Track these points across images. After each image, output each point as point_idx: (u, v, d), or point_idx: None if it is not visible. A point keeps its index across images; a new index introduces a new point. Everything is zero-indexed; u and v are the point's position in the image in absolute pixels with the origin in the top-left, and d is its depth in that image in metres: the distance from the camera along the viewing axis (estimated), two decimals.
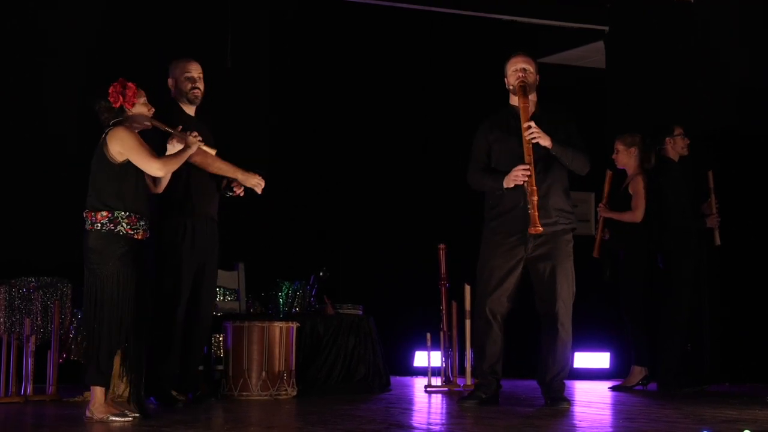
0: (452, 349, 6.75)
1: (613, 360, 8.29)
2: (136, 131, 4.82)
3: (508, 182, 5.26)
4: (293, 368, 6.14)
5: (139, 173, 4.77)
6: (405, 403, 5.89)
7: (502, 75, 5.49)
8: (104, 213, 4.67)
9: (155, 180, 4.97)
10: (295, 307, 6.72)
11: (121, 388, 5.66)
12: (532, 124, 5.21)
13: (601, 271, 7.10)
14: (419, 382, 7.57)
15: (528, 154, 5.19)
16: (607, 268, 7.09)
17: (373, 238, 8.57)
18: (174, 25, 7.76)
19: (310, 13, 8.43)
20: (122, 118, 4.78)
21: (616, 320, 7.29)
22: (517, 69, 5.39)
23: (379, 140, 8.72)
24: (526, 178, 5.17)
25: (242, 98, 7.97)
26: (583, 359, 8.35)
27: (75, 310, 6.06)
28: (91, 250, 4.67)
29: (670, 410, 5.14)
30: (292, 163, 8.50)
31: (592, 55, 8.92)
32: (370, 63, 8.71)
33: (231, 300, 6.93)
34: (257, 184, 5.68)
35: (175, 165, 4.90)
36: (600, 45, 8.65)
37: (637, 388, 6.83)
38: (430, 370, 6.74)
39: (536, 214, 5.15)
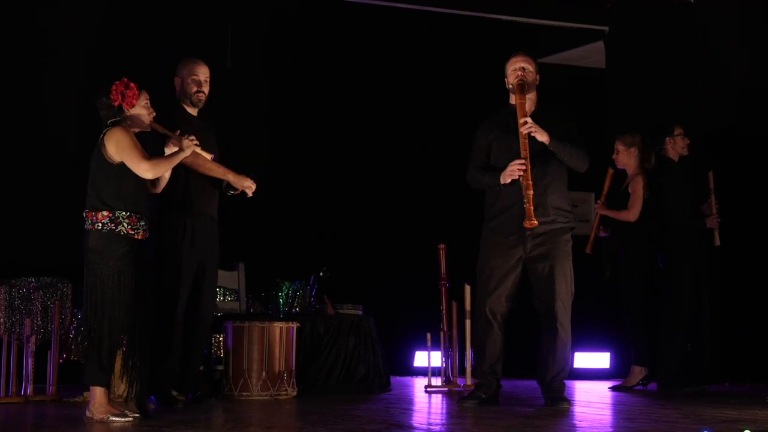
0: (452, 349, 6.75)
1: (613, 360, 8.29)
2: (134, 132, 4.83)
3: (505, 178, 5.28)
4: (293, 368, 6.14)
5: None
6: (405, 403, 5.89)
7: (502, 75, 5.51)
8: (105, 213, 4.67)
9: (154, 180, 4.97)
10: (296, 307, 6.72)
11: (122, 388, 5.66)
12: (528, 119, 5.23)
13: (601, 271, 7.10)
14: (419, 382, 7.58)
15: (524, 148, 5.21)
16: (607, 268, 7.09)
17: (373, 238, 8.57)
18: (174, 25, 7.76)
19: (310, 13, 8.42)
20: (120, 118, 4.78)
21: (616, 320, 7.30)
22: (516, 68, 5.41)
23: (379, 140, 8.72)
24: (522, 173, 5.18)
25: (242, 98, 7.97)
26: (583, 359, 8.35)
27: (75, 310, 6.06)
28: (91, 250, 4.67)
29: (670, 410, 5.14)
30: (292, 163, 8.50)
31: (592, 55, 8.92)
32: (370, 63, 8.71)
33: (231, 300, 6.93)
34: (248, 187, 5.66)
35: (165, 167, 4.88)
36: (600, 45, 8.65)
37: (637, 388, 6.84)
38: (430, 370, 6.74)
39: (531, 208, 5.16)
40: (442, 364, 6.84)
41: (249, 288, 7.02)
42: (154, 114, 4.90)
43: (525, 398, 5.94)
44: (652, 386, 6.84)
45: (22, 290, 5.98)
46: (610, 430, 4.42)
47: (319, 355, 6.53)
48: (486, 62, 6.98)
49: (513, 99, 5.44)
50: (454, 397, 6.08)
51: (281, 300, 6.70)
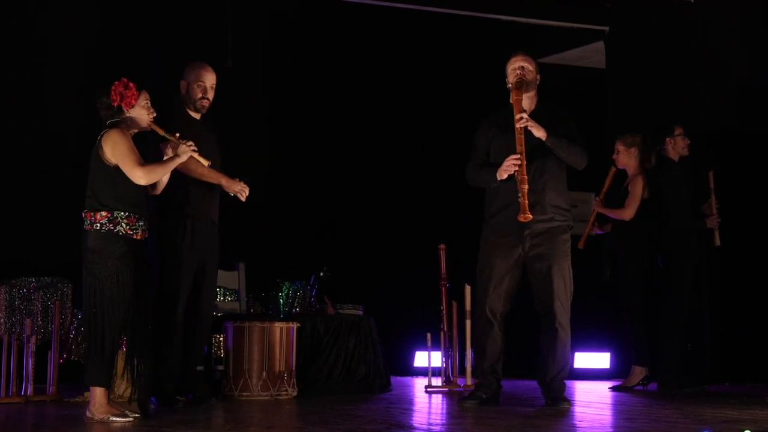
0: (452, 349, 6.75)
1: (614, 360, 8.29)
2: (132, 133, 4.82)
3: (501, 173, 5.29)
4: (294, 368, 6.14)
5: None
6: (405, 404, 5.89)
7: (502, 75, 5.52)
8: (103, 213, 4.67)
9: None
10: (296, 307, 6.72)
11: (122, 388, 5.67)
12: (524, 114, 5.24)
13: (601, 270, 7.10)
14: (419, 383, 7.58)
15: (519, 144, 5.21)
16: (607, 268, 7.09)
17: (373, 238, 8.57)
18: (174, 25, 7.76)
19: (310, 13, 8.43)
20: (119, 119, 4.78)
21: (616, 320, 7.30)
22: (516, 67, 5.43)
23: (378, 140, 8.72)
24: (517, 168, 5.19)
25: (242, 98, 7.97)
26: (584, 359, 8.35)
27: (75, 311, 6.06)
28: (89, 250, 4.67)
29: (671, 410, 5.14)
30: (292, 163, 8.51)
31: (592, 55, 8.92)
32: (369, 63, 8.71)
33: (231, 300, 6.94)
34: (241, 191, 5.65)
35: (160, 173, 4.86)
36: (600, 45, 8.65)
37: (637, 388, 6.84)
38: (430, 370, 6.74)
39: (526, 202, 5.17)
40: (442, 364, 6.84)
41: (249, 288, 7.03)
42: (155, 114, 4.89)
43: (525, 398, 5.94)
44: (653, 386, 6.84)
45: (23, 290, 5.98)
46: (611, 430, 4.42)
47: (319, 355, 6.53)
48: (486, 62, 6.98)
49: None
50: (454, 397, 6.08)
51: (281, 300, 6.70)
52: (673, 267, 6.81)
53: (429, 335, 6.77)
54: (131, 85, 4.77)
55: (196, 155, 4.99)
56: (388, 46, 8.67)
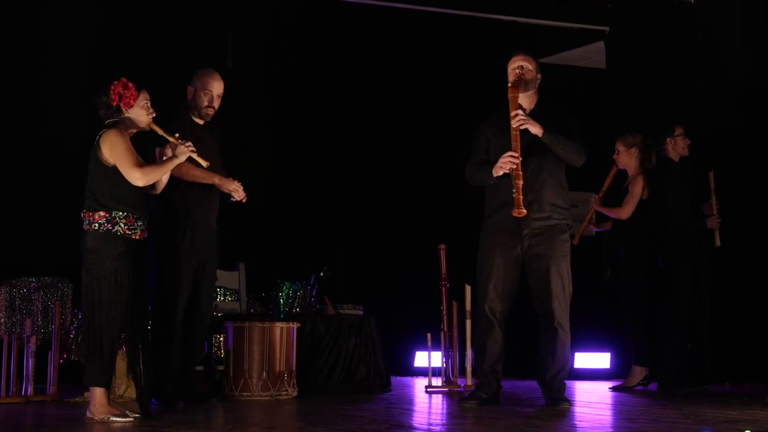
0: (453, 349, 6.75)
1: (614, 360, 8.28)
2: (131, 133, 4.82)
3: (497, 170, 5.29)
4: (294, 368, 6.14)
5: None
6: (406, 404, 5.89)
7: (503, 75, 5.53)
8: (102, 213, 4.66)
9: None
10: (296, 307, 6.72)
11: (122, 388, 5.67)
12: (520, 111, 5.25)
13: (602, 270, 7.10)
14: (420, 383, 7.58)
15: (514, 140, 5.22)
16: (608, 268, 7.09)
17: (373, 238, 8.57)
18: (174, 25, 7.76)
19: (310, 13, 8.43)
20: (118, 119, 4.77)
21: (616, 320, 7.30)
22: (515, 66, 5.46)
23: (379, 140, 8.72)
24: (513, 165, 5.19)
25: (242, 98, 7.97)
26: (584, 359, 8.35)
27: (76, 311, 6.06)
28: (88, 250, 4.67)
29: (671, 410, 5.14)
30: (292, 163, 8.51)
31: (592, 55, 8.92)
32: (370, 63, 8.71)
33: (232, 300, 6.94)
34: (235, 189, 5.64)
35: (158, 175, 4.85)
36: (600, 45, 8.65)
37: (637, 388, 6.83)
38: (430, 370, 6.74)
39: (520, 197, 5.17)
40: (442, 364, 6.83)
41: (249, 288, 7.03)
42: (154, 114, 4.88)
43: (525, 398, 5.94)
44: (653, 386, 6.84)
45: (23, 290, 5.98)
46: (611, 430, 4.42)
47: (319, 356, 6.53)
48: (486, 62, 6.99)
49: None
50: (454, 398, 6.08)
51: (282, 300, 6.70)
52: (673, 267, 6.81)
53: (429, 335, 6.77)
54: (130, 85, 4.77)
55: (194, 156, 4.98)
56: (388, 46, 8.67)
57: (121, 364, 5.66)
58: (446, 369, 6.81)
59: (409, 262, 8.35)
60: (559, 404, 5.26)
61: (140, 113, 4.82)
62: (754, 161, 7.67)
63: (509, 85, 5.44)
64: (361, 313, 6.92)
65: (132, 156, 4.71)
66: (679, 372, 6.72)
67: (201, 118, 5.66)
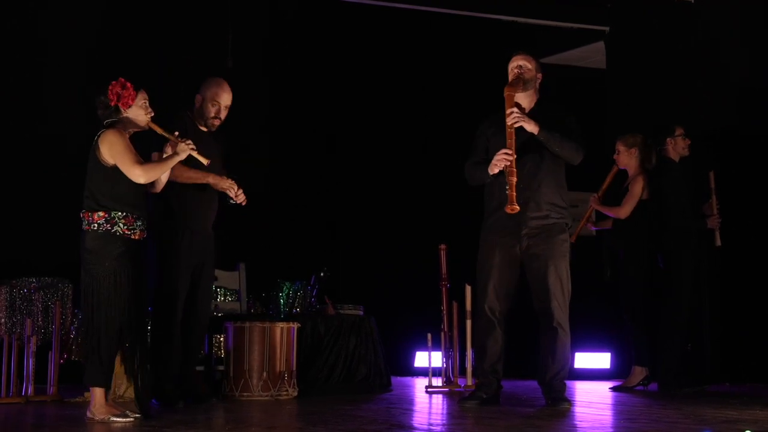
0: (453, 349, 6.75)
1: (614, 360, 8.28)
2: (130, 133, 4.81)
3: (492, 168, 5.30)
4: (294, 369, 6.14)
5: None
6: (406, 404, 5.89)
7: (503, 75, 5.54)
8: (101, 213, 4.66)
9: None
10: (296, 307, 6.72)
11: (122, 388, 5.66)
12: (515, 109, 5.25)
13: (602, 271, 7.10)
14: (420, 383, 7.58)
15: (509, 138, 5.22)
16: (608, 267, 7.09)
17: (373, 238, 8.57)
18: (174, 25, 7.76)
19: (310, 13, 8.43)
20: (116, 119, 4.77)
21: (616, 320, 7.29)
22: (514, 66, 5.48)
23: (379, 140, 8.72)
24: (508, 162, 5.19)
25: (242, 98, 7.95)
26: (584, 360, 8.35)
27: (76, 311, 6.06)
28: (87, 250, 4.67)
29: (671, 410, 5.14)
30: (292, 163, 8.51)
31: (592, 55, 8.92)
32: (370, 63, 8.71)
33: (232, 300, 6.93)
34: (229, 187, 5.63)
35: (159, 172, 4.85)
36: (600, 45, 8.65)
37: (637, 388, 6.83)
38: (430, 370, 6.74)
39: (513, 194, 5.16)
40: (442, 364, 6.83)
41: (250, 288, 7.03)
42: (152, 113, 4.87)
43: (526, 398, 5.94)
44: (653, 386, 6.84)
45: (23, 290, 5.98)
46: (611, 430, 4.42)
47: (319, 356, 6.53)
48: (486, 62, 6.99)
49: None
50: (454, 398, 6.08)
51: (282, 300, 6.70)
52: (673, 267, 6.81)
53: (429, 335, 6.77)
54: (128, 84, 4.76)
55: (195, 153, 4.97)
56: (388, 46, 8.67)
57: (122, 364, 5.65)
58: (446, 369, 6.81)
59: (409, 262, 8.35)
60: (559, 404, 5.26)
61: (139, 113, 4.82)
62: (754, 161, 7.67)
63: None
64: (361, 313, 6.92)
65: (132, 154, 4.71)
66: (679, 372, 6.72)
67: (206, 127, 5.65)
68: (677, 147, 6.94)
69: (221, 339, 6.43)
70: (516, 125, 5.25)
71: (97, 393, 4.64)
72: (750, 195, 7.62)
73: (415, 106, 8.84)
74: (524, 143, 5.30)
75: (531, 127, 5.28)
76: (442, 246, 6.83)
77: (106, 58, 7.27)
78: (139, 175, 4.71)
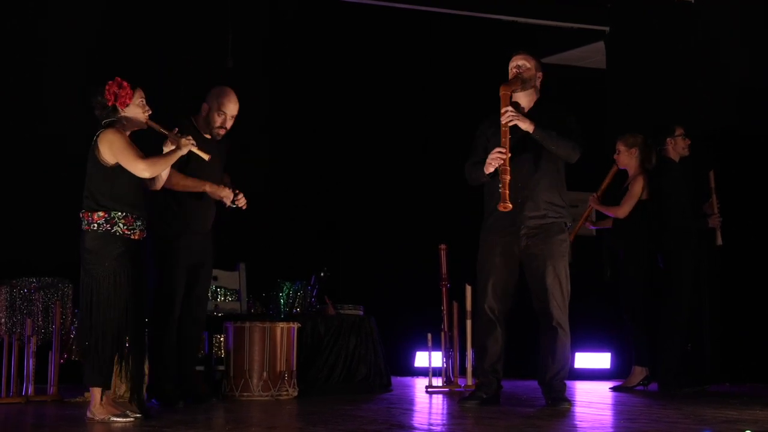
0: (453, 349, 6.75)
1: (614, 360, 8.29)
2: (129, 132, 4.81)
3: (487, 167, 5.30)
4: (294, 369, 6.14)
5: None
6: (406, 404, 5.89)
7: (503, 75, 5.54)
8: (101, 213, 4.66)
9: (153, 177, 4.94)
10: (296, 307, 6.72)
11: (122, 388, 5.67)
12: (510, 108, 5.25)
13: (602, 271, 7.10)
14: (420, 383, 7.58)
15: (504, 136, 5.22)
16: (608, 267, 7.09)
17: (373, 238, 8.57)
18: (174, 25, 7.76)
19: (310, 13, 8.43)
20: (115, 119, 4.77)
21: (616, 320, 7.30)
22: (513, 66, 5.49)
23: (379, 140, 8.72)
24: (501, 161, 5.19)
25: (242, 98, 7.95)
26: (584, 360, 8.35)
27: (76, 311, 6.07)
28: (87, 250, 4.67)
29: (671, 410, 5.14)
30: (292, 163, 8.51)
31: (592, 55, 8.92)
32: (370, 63, 8.71)
33: (232, 300, 6.93)
34: (226, 196, 5.63)
35: (163, 166, 4.84)
36: (600, 45, 8.65)
37: (637, 388, 6.83)
38: (431, 370, 6.74)
39: (506, 192, 5.16)
40: (442, 364, 6.83)
41: (250, 288, 7.02)
42: (150, 112, 4.86)
43: (526, 398, 5.94)
44: (653, 386, 6.84)
45: (23, 290, 5.98)
46: (611, 430, 4.42)
47: (319, 356, 6.53)
48: (486, 62, 6.98)
49: (513, 97, 5.46)
50: (454, 398, 6.09)
51: (282, 300, 6.70)
52: (673, 267, 6.81)
53: (429, 335, 6.77)
54: (125, 84, 4.75)
55: (195, 149, 4.97)
56: (388, 46, 8.67)
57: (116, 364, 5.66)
58: (446, 369, 6.81)
59: (410, 262, 8.35)
60: (559, 404, 5.26)
61: (137, 111, 4.81)
62: (754, 161, 7.67)
63: None
64: (361, 313, 6.92)
65: (133, 149, 4.71)
66: (679, 372, 6.72)
67: (211, 135, 5.64)
68: (677, 147, 6.94)
69: (221, 339, 6.43)
70: (510, 124, 5.24)
71: (97, 393, 4.64)
72: (750, 195, 7.62)
73: (415, 106, 8.84)
74: (522, 142, 5.30)
75: (526, 126, 5.28)
76: (442, 246, 6.82)
77: (106, 58, 7.26)
78: (143, 169, 4.70)
